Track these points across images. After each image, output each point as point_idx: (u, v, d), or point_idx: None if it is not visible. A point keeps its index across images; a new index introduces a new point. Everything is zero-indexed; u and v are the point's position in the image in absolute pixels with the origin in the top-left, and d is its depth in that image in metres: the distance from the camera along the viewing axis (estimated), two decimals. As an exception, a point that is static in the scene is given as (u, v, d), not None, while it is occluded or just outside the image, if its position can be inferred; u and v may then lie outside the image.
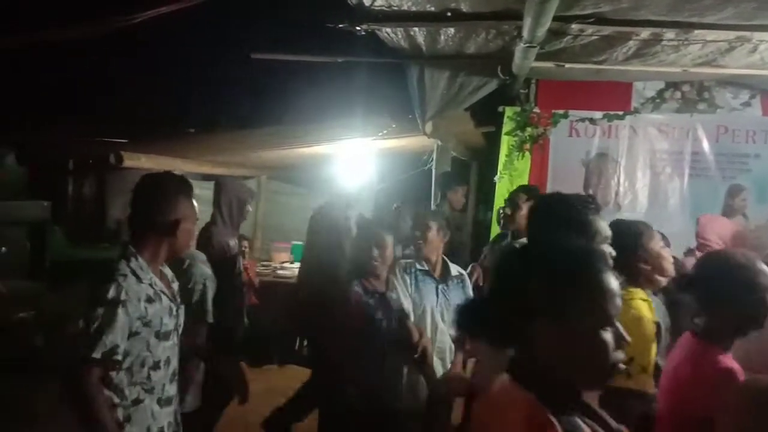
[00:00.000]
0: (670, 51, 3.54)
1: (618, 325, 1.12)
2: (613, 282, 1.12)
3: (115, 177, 8.75)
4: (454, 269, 3.42)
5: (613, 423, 1.16)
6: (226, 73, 7.37)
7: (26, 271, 5.63)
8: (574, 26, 3.21)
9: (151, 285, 1.96)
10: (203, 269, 3.01)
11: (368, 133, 5.21)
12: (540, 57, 3.70)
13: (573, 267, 1.13)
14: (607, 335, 1.10)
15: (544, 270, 1.13)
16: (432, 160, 5.65)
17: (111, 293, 1.84)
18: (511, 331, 1.14)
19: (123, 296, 1.85)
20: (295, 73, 6.04)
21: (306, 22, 4.25)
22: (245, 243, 6.52)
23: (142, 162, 5.66)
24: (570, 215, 1.79)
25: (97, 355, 1.77)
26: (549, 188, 5.02)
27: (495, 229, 4.97)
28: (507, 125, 5.03)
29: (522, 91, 5.00)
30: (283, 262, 7.03)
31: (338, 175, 6.47)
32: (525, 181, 5.04)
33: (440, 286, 3.28)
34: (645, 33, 3.29)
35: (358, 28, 3.41)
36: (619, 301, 1.12)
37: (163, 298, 2.00)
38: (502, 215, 4.53)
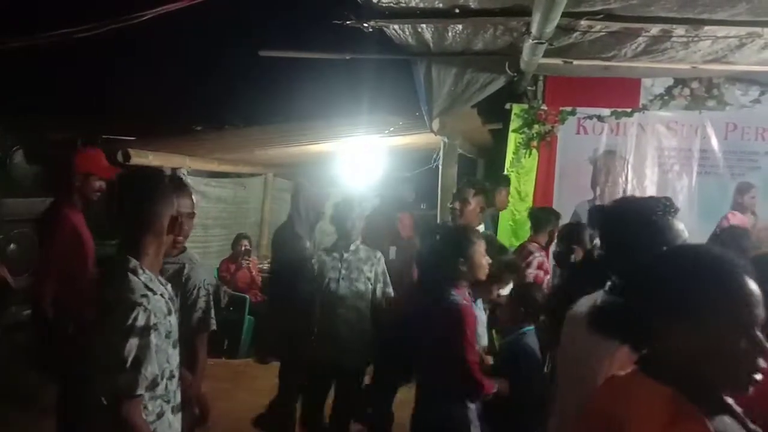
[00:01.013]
0: (679, 47, 3.51)
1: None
2: (755, 286, 1.13)
3: (121, 174, 8.78)
4: None
5: (750, 424, 1.15)
6: (234, 70, 7.37)
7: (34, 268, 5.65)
8: (583, 22, 3.19)
9: (162, 296, 1.85)
10: (203, 273, 2.82)
11: (375, 131, 5.20)
12: (548, 53, 3.68)
13: (719, 270, 1.14)
14: (753, 339, 1.10)
15: (688, 272, 1.14)
16: (438, 158, 5.64)
17: (140, 321, 1.69)
18: (651, 332, 1.15)
19: (153, 320, 1.73)
20: (302, 70, 6.04)
21: (313, 19, 4.25)
22: (245, 242, 6.54)
23: (150, 160, 5.68)
24: (650, 219, 1.76)
25: (140, 391, 1.68)
26: (556, 186, 5.01)
27: (503, 229, 4.97)
28: (514, 122, 5.02)
29: (530, 88, 4.99)
30: (289, 260, 7.04)
31: (344, 173, 6.47)
32: (532, 179, 5.03)
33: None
34: (655, 29, 3.27)
35: (365, 24, 3.40)
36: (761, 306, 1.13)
37: (172, 305, 1.91)
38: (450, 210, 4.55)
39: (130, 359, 1.67)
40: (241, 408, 4.18)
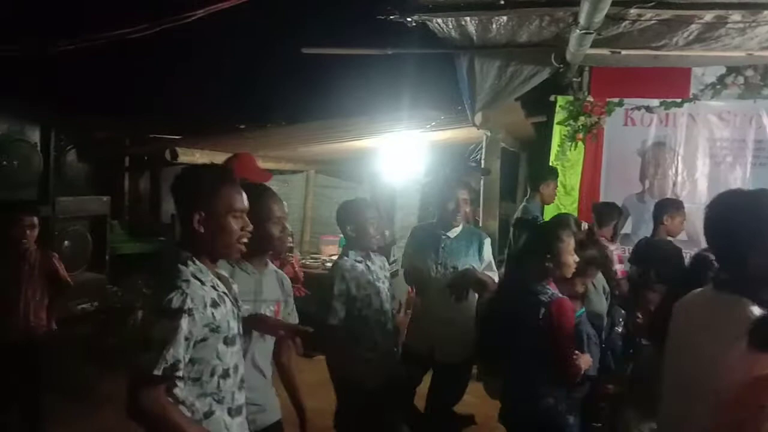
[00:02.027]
0: (735, 34, 3.39)
1: None
2: None
3: (169, 173, 8.98)
4: None
5: None
6: (277, 69, 7.45)
7: (88, 263, 5.84)
8: (633, 11, 3.10)
9: (214, 287, 1.83)
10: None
11: (417, 126, 5.18)
12: (595, 44, 3.60)
13: None
14: None
15: None
16: (480, 152, 5.58)
17: (175, 302, 1.69)
18: None
19: (188, 304, 1.70)
20: (344, 66, 6.06)
21: (356, 16, 4.25)
22: (290, 237, 6.60)
23: (196, 158, 5.79)
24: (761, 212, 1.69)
25: (158, 372, 1.65)
26: (603, 179, 4.91)
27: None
28: (559, 115, 4.93)
29: (575, 79, 4.89)
30: (331, 255, 7.08)
31: (386, 168, 6.48)
32: (578, 173, 4.94)
33: None
34: (708, 16, 3.16)
35: (409, 19, 3.39)
36: None
37: (227, 300, 1.87)
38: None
39: (155, 338, 1.66)
40: (285, 402, 4.22)
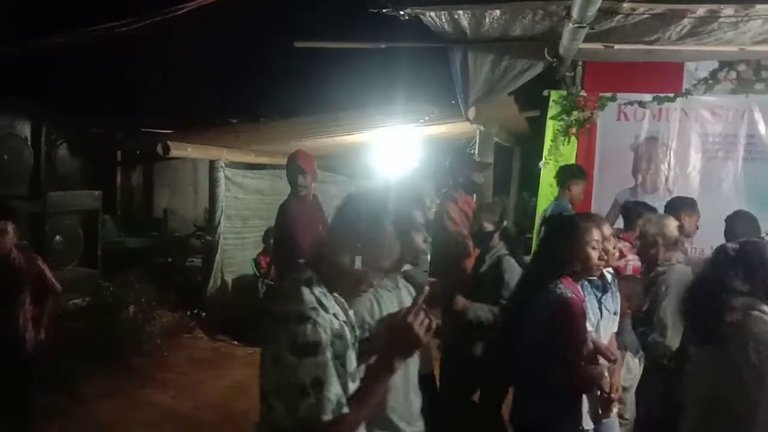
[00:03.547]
0: (727, 28, 3.39)
1: None
2: None
3: (161, 167, 8.97)
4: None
5: None
6: (269, 63, 7.44)
7: (80, 258, 5.81)
8: (626, 5, 3.10)
9: (335, 316, 1.60)
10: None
11: (410, 120, 5.18)
12: (588, 38, 3.60)
13: None
14: None
15: None
16: (473, 146, 5.58)
17: (311, 336, 1.47)
18: None
19: (323, 334, 1.49)
20: (338, 60, 6.05)
21: (349, 10, 4.23)
22: (276, 235, 6.57)
23: (189, 152, 5.78)
24: None
25: (328, 416, 1.46)
26: (596, 173, 4.91)
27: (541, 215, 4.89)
28: (552, 109, 4.92)
29: (568, 73, 4.88)
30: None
31: (378, 163, 6.48)
32: (571, 167, 4.93)
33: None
34: (701, 10, 3.16)
35: (401, 12, 3.38)
36: None
37: (347, 331, 1.64)
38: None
39: (308, 384, 1.44)
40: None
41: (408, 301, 2.14)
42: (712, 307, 1.87)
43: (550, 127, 4.93)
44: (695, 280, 2.12)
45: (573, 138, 4.89)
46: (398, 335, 1.57)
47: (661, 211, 3.78)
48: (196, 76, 7.82)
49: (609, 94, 4.82)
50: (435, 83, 5.15)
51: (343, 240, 1.62)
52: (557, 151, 4.94)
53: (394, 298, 2.19)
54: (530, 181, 5.55)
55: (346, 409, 1.49)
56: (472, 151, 5.57)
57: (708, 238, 4.07)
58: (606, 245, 2.45)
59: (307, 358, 1.45)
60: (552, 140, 4.94)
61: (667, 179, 4.82)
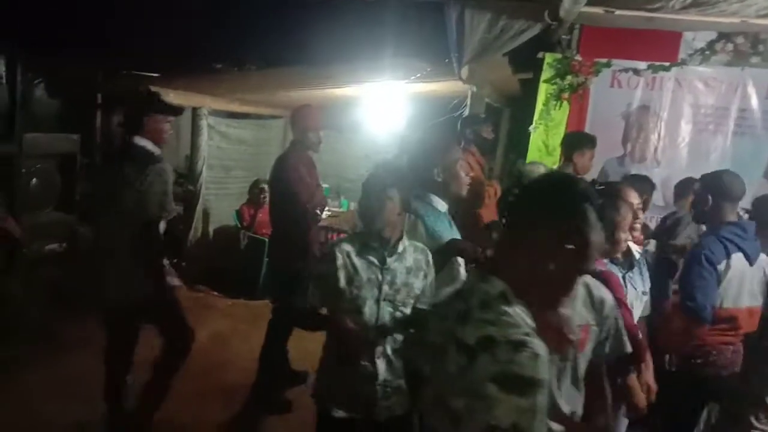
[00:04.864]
0: (734, 0, 3.31)
1: None
2: None
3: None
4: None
5: None
6: (257, 7, 7.16)
7: (57, 203, 5.67)
8: (632, -31, 3.00)
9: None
10: None
11: (401, 76, 5.06)
12: (590, 2, 3.50)
13: None
14: None
15: None
16: (465, 107, 5.49)
17: (528, 368, 1.16)
18: None
19: (542, 370, 1.18)
20: (327, 10, 5.85)
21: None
22: (262, 186, 6.50)
23: (171, 98, 5.59)
24: None
25: None
26: (586, 141, 4.87)
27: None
28: (546, 72, 4.83)
29: (564, 36, 4.77)
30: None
31: (367, 119, 6.36)
32: (561, 132, 4.87)
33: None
34: (709, -21, 3.07)
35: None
36: None
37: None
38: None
39: (505, 425, 1.13)
40: (257, 348, 4.24)
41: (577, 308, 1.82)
42: None
43: (543, 90, 4.85)
44: None
45: (565, 103, 4.82)
46: None
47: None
48: (180, 18, 7.53)
49: (604, 60, 4.74)
50: (427, 39, 5.00)
51: (552, 237, 1.30)
52: (548, 116, 4.88)
53: None
54: (518, 144, 5.50)
55: None
56: (461, 112, 5.48)
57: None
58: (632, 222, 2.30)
59: (513, 395, 1.13)
60: (544, 104, 4.87)
61: (656, 149, 4.81)
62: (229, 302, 6.02)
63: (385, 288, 2.32)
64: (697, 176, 4.15)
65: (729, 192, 3.02)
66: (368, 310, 2.31)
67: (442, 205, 2.62)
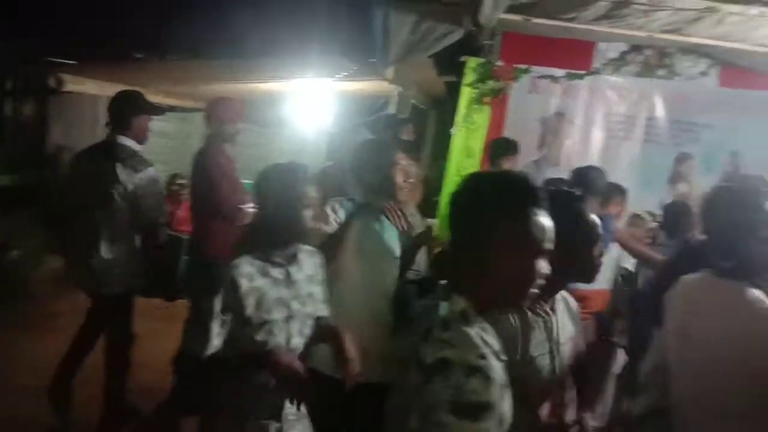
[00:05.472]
0: (639, 15, 3.51)
1: None
2: None
3: (58, 101, 8.28)
4: None
5: None
6: (180, -2, 6.95)
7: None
8: (547, -20, 3.12)
9: (498, 357, 1.28)
10: None
11: (326, 73, 5.04)
12: (509, 9, 3.61)
13: None
14: None
15: None
16: (389, 107, 5.55)
17: (480, 394, 1.15)
18: None
19: (494, 394, 1.18)
20: (253, 2, 5.75)
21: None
22: (179, 181, 6.31)
23: (87, 87, 5.38)
24: (754, 202, 1.82)
25: None
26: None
27: (450, 182, 4.97)
28: (468, 76, 4.95)
29: (487, 42, 4.90)
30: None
31: (292, 115, 6.31)
32: (482, 136, 5.00)
33: None
34: (617, -6, 3.24)
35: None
36: None
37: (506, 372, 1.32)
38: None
39: None
40: (174, 348, 4.13)
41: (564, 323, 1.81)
42: None
43: (465, 94, 4.96)
44: None
45: (486, 107, 4.96)
46: None
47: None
48: (99, 3, 7.20)
49: (524, 67, 4.90)
50: (354, 37, 5.01)
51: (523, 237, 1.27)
52: (470, 119, 5.00)
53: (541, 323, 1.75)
54: (444, 146, 5.60)
55: None
56: (387, 112, 5.53)
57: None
58: None
59: (465, 420, 1.12)
60: (466, 107, 4.99)
61: (570, 155, 5.00)
62: (144, 302, 5.82)
63: (294, 304, 2.04)
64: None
65: (592, 186, 3.29)
66: (279, 333, 2.00)
67: (380, 208, 2.59)
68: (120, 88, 6.02)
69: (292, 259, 2.07)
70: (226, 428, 2.03)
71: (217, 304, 1.91)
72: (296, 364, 1.93)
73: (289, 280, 2.04)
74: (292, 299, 2.03)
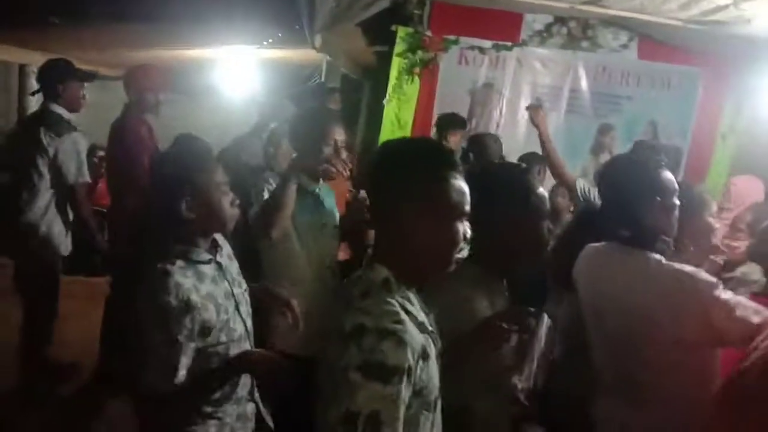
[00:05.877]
0: (562, -15, 3.54)
1: None
2: None
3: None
4: None
5: None
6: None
7: None
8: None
9: (421, 327, 1.27)
10: None
11: (252, 41, 4.89)
12: (436, -23, 3.58)
13: None
14: None
15: None
16: (319, 77, 5.45)
17: (390, 357, 1.13)
18: None
19: (407, 358, 1.15)
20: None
21: None
22: (100, 153, 6.02)
23: (-5, 53, 5.03)
24: (648, 173, 1.91)
25: None
26: (436, 115, 5.02)
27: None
28: (399, 46, 4.91)
29: (416, 11, 4.87)
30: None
31: (218, 84, 6.11)
32: (413, 107, 5.00)
33: None
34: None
35: None
36: None
37: (432, 345, 1.29)
38: None
39: (364, 412, 1.11)
40: (97, 327, 4.02)
41: None
42: None
43: (396, 64, 4.93)
44: None
45: (416, 78, 4.94)
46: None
47: None
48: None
49: (453, 37, 4.90)
50: (280, 3, 4.87)
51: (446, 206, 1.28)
52: (401, 90, 4.98)
53: None
54: (378, 117, 5.56)
55: None
56: (315, 81, 5.44)
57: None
58: None
59: (375, 382, 1.11)
60: (397, 78, 4.96)
61: (498, 125, 5.08)
62: (67, 279, 5.59)
63: (235, 290, 1.90)
64: (535, 149, 4.50)
65: (486, 153, 3.51)
66: (238, 328, 1.86)
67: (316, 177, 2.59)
68: (29, 53, 5.70)
69: (213, 246, 1.89)
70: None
71: (180, 333, 1.68)
72: (272, 356, 1.83)
73: (221, 270, 1.86)
74: (232, 286, 1.89)
